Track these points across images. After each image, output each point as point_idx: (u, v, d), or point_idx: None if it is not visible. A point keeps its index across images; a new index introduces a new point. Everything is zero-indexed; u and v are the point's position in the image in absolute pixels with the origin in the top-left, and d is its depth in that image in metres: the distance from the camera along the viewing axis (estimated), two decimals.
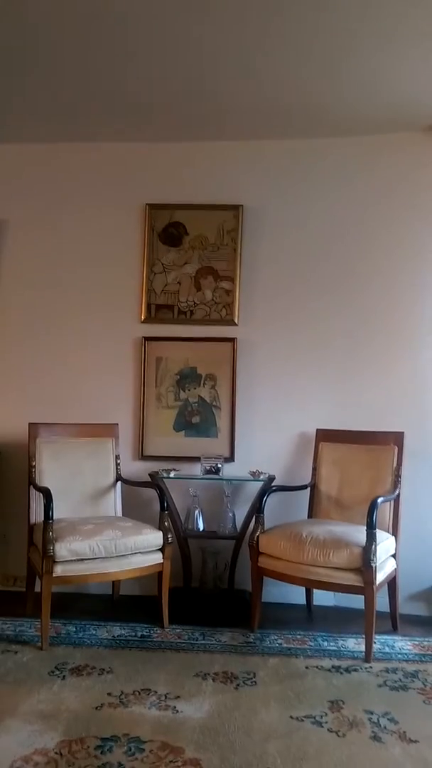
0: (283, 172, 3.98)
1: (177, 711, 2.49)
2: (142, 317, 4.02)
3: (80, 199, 4.09)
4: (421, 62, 3.05)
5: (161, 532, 3.32)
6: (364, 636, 3.05)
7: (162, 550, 3.32)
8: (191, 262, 4.02)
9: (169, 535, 3.35)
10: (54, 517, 3.15)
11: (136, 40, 2.95)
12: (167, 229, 4.04)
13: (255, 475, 3.67)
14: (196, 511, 3.74)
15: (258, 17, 2.75)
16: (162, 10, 2.72)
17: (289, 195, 3.98)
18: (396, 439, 3.56)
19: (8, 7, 2.71)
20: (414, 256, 3.86)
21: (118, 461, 3.82)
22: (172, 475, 3.70)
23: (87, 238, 4.08)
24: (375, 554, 3.00)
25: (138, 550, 3.24)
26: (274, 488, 3.60)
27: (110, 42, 2.97)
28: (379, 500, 3.18)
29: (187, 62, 3.14)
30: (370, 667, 2.94)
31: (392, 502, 3.44)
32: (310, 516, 3.72)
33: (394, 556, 3.38)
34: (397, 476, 3.50)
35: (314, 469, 3.76)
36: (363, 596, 3.01)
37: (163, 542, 3.31)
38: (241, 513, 3.74)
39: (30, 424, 3.64)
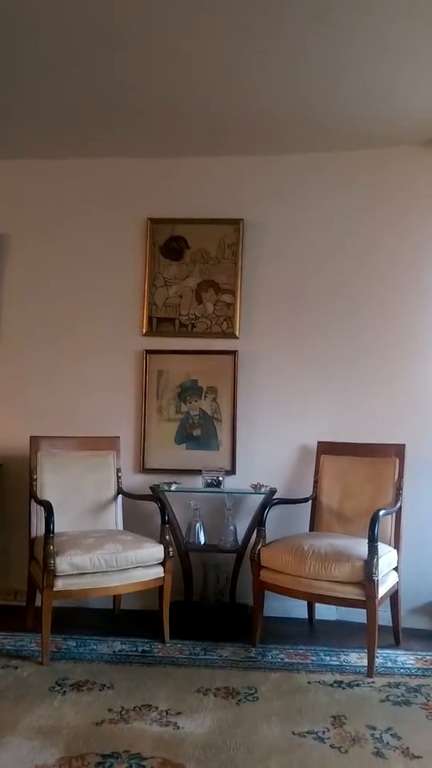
0: (284, 187, 4.01)
1: (178, 727, 2.47)
2: (144, 330, 4.04)
3: (82, 214, 4.12)
4: (421, 76, 3.08)
5: (162, 546, 3.32)
6: (366, 650, 3.03)
7: (163, 563, 3.30)
8: (192, 276, 4.04)
9: (170, 549, 3.34)
10: (55, 531, 3.14)
11: (136, 57, 2.98)
12: (168, 243, 4.07)
13: (256, 488, 3.66)
14: (197, 525, 3.73)
15: (257, 33, 2.79)
16: (161, 27, 2.75)
17: (289, 209, 4.01)
18: (397, 451, 3.56)
19: (9, 24, 2.74)
20: (414, 269, 3.88)
21: (119, 474, 3.81)
22: (173, 488, 3.70)
23: (89, 252, 4.11)
24: (377, 568, 2.99)
25: (139, 564, 3.22)
26: (275, 501, 3.59)
27: (110, 58, 3.01)
28: (381, 513, 3.17)
29: (187, 78, 3.17)
30: (373, 682, 2.91)
31: (394, 515, 3.43)
32: (311, 529, 3.70)
33: (396, 569, 3.37)
34: (399, 489, 3.49)
35: (315, 481, 3.76)
36: (365, 610, 3.00)
37: (164, 556, 3.30)
38: (242, 526, 3.73)
39: (31, 438, 3.64)
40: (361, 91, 3.24)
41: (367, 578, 2.98)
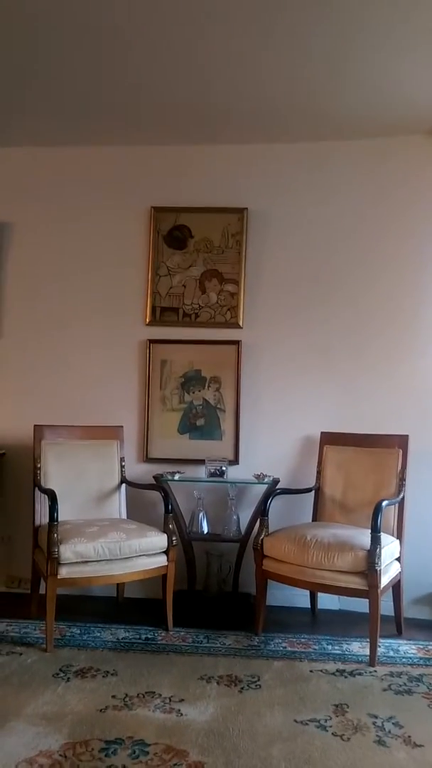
0: (288, 175, 3.99)
1: (181, 714, 2.49)
2: (147, 320, 4.03)
3: (85, 202, 4.10)
4: (425, 65, 3.06)
5: (166, 535, 3.33)
6: (368, 640, 3.05)
7: (166, 552, 3.32)
8: (196, 265, 4.03)
9: (174, 538, 3.36)
10: (59, 519, 3.16)
11: (140, 45, 2.96)
12: (172, 231, 4.05)
13: (259, 478, 3.67)
14: (201, 514, 3.74)
15: (260, 21, 2.76)
16: (164, 16, 2.73)
17: (293, 198, 3.99)
18: (400, 442, 3.56)
19: (14, 14, 2.72)
20: (418, 259, 3.86)
21: (123, 463, 3.82)
22: (176, 477, 3.70)
23: (92, 240, 4.09)
24: (380, 558, 3.00)
25: (142, 553, 3.24)
26: (278, 491, 3.60)
27: (114, 46, 2.98)
28: (384, 503, 3.17)
29: (192, 66, 3.15)
30: (375, 671, 2.93)
31: (397, 506, 3.44)
32: (314, 519, 3.71)
33: (398, 559, 3.37)
34: (402, 479, 3.49)
35: (319, 472, 3.76)
36: (367, 600, 3.01)
37: (168, 545, 3.32)
38: (245, 516, 3.74)
39: (35, 426, 3.64)
40: (366, 80, 3.21)
41: (370, 568, 2.99)
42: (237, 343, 3.95)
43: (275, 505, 3.51)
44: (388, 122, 3.68)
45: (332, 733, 2.38)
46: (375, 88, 3.30)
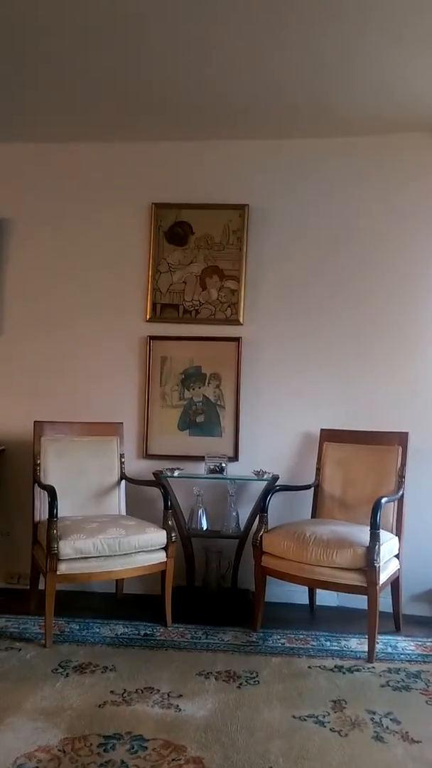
0: (290, 172, 3.98)
1: (180, 709, 2.50)
2: (148, 316, 4.03)
3: (86, 198, 4.09)
4: (430, 63, 3.04)
5: (165, 531, 3.33)
6: (366, 636, 3.05)
7: (165, 548, 3.32)
8: (197, 262, 4.02)
9: (173, 534, 3.36)
10: (58, 515, 3.16)
11: (142, 39, 2.95)
12: (173, 228, 4.05)
13: (259, 475, 3.67)
14: (200, 510, 3.75)
15: (265, 18, 2.75)
16: (169, 10, 2.71)
17: (295, 194, 3.98)
18: (400, 439, 3.56)
19: (16, 7, 2.71)
20: (420, 256, 3.85)
21: (123, 460, 3.82)
22: (176, 474, 3.71)
23: (92, 237, 4.09)
24: (378, 554, 3.00)
25: (142, 549, 3.24)
26: (277, 488, 3.60)
27: (116, 41, 2.97)
28: (383, 500, 3.18)
29: (194, 62, 3.14)
30: (373, 668, 2.94)
31: (396, 503, 3.44)
32: (313, 516, 3.72)
33: (397, 556, 3.38)
34: (401, 476, 3.49)
35: (318, 469, 3.76)
36: (366, 596, 3.02)
37: (167, 541, 3.32)
38: (244, 512, 3.75)
39: (35, 423, 3.65)
40: (370, 76, 3.20)
41: (369, 564, 2.99)
42: (237, 339, 3.95)
43: (274, 501, 3.51)
44: (392, 119, 3.66)
45: (330, 729, 2.39)
46: (379, 85, 3.28)
